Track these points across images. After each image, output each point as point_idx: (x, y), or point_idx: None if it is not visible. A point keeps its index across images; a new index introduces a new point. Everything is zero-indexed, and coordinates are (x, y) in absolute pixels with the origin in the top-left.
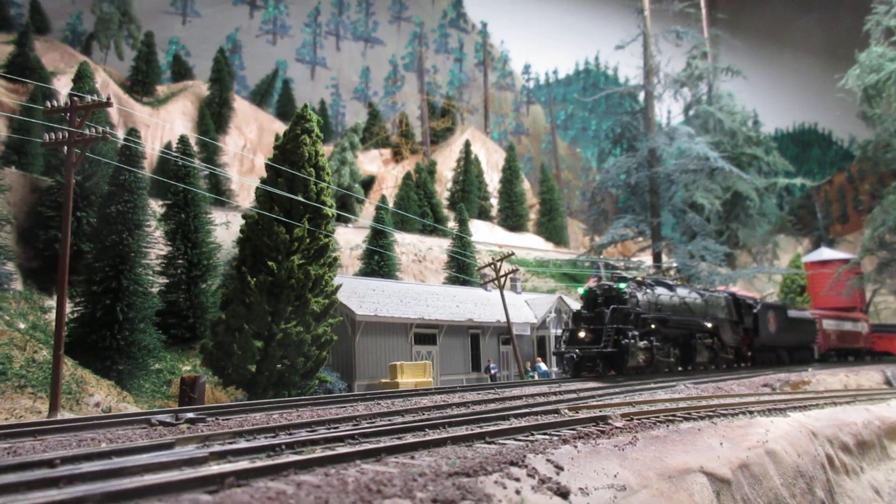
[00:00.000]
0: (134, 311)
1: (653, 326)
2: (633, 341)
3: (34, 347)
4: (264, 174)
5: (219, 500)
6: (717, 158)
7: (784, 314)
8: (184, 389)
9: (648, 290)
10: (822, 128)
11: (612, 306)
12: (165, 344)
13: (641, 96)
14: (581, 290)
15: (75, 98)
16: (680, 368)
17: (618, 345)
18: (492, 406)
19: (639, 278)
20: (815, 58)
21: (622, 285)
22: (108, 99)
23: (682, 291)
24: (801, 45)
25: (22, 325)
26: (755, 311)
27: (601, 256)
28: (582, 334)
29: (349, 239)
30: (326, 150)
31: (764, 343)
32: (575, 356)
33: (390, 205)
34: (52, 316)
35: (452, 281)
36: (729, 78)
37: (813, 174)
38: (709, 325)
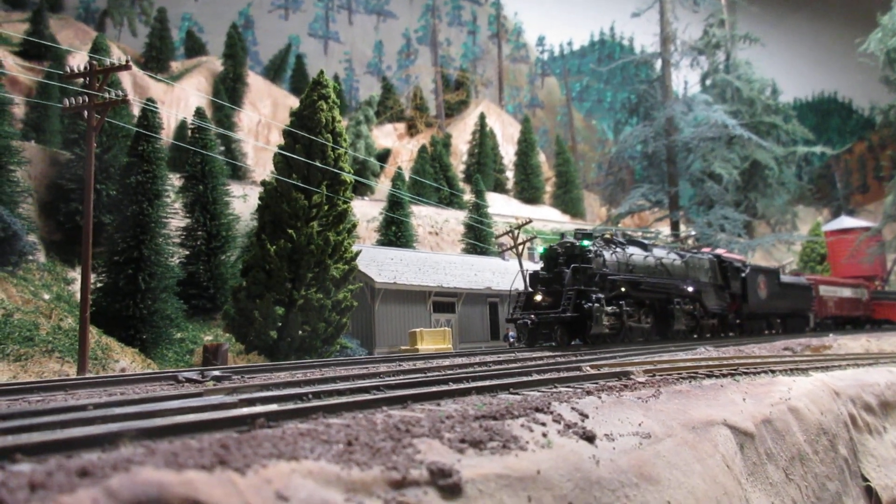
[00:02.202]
0: (156, 281)
1: (623, 289)
2: (597, 305)
3: (59, 315)
4: (278, 151)
5: (251, 436)
6: (736, 126)
7: (776, 279)
8: (206, 357)
9: (618, 249)
10: (843, 96)
11: (572, 266)
12: (187, 314)
13: (658, 66)
14: (541, 250)
15: (94, 62)
16: (657, 337)
17: (579, 309)
18: (513, 366)
19: (607, 235)
20: (834, 23)
21: (586, 242)
22: (128, 62)
23: (658, 252)
24: (821, 10)
25: (46, 296)
26: (743, 274)
27: (618, 227)
28: (539, 298)
29: (366, 211)
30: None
31: (753, 310)
32: (529, 322)
33: (406, 178)
34: (75, 287)
35: (469, 251)
36: (747, 46)
37: (833, 143)
38: (690, 289)
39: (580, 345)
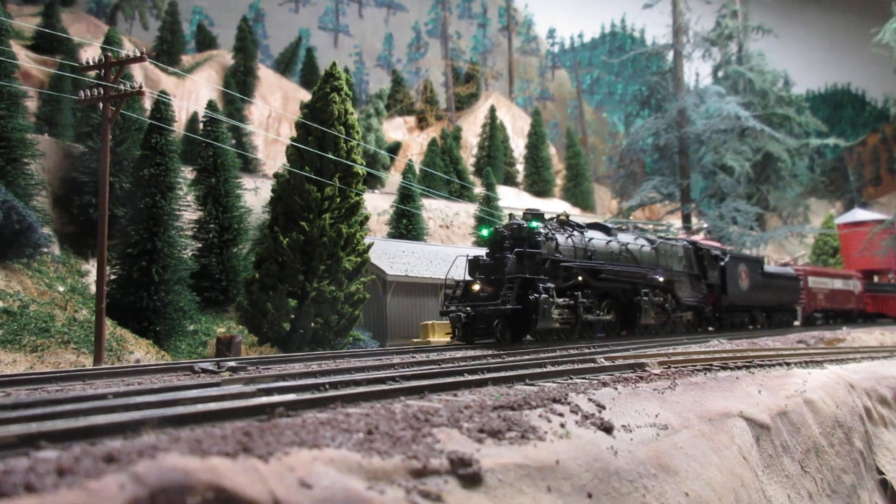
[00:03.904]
0: (169, 273)
1: (580, 279)
2: (545, 296)
3: (75, 307)
4: (290, 143)
5: (272, 425)
6: (749, 117)
7: (760, 268)
8: (220, 348)
9: (575, 233)
10: (856, 88)
11: (517, 250)
12: (199, 306)
13: (669, 57)
14: (484, 232)
15: (109, 53)
16: (624, 332)
17: (524, 300)
18: (527, 358)
19: (562, 217)
20: (848, 13)
21: (535, 224)
22: (142, 53)
23: (624, 237)
24: (835, 0)
25: (61, 288)
26: (722, 263)
27: (629, 219)
28: (477, 287)
29: (377, 204)
30: None
31: (734, 302)
32: (463, 316)
33: (416, 172)
34: (89, 279)
35: (481, 244)
36: (759, 37)
37: (845, 135)
38: (660, 278)
39: (531, 342)
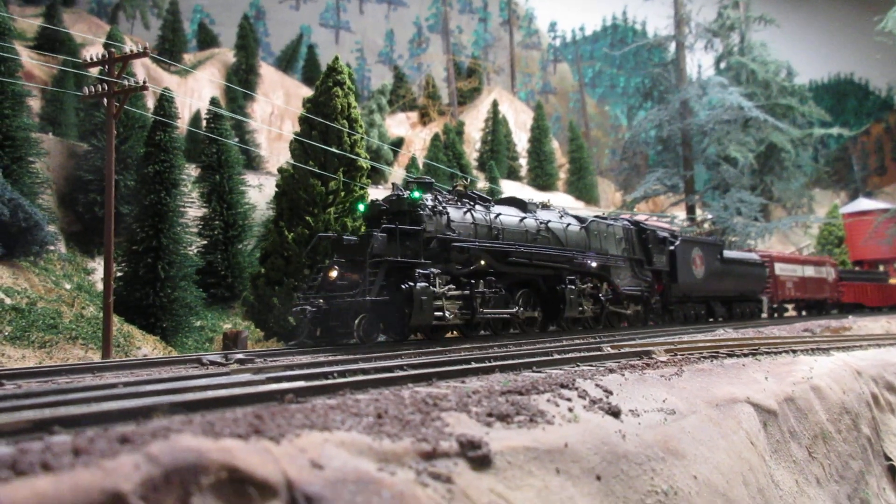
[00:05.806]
0: (175, 269)
1: (482, 263)
2: (423, 286)
3: (82, 304)
4: (294, 137)
5: (283, 409)
6: (752, 108)
7: (718, 253)
8: (226, 344)
9: (478, 207)
10: (859, 77)
11: (385, 226)
12: (205, 303)
13: (671, 49)
14: (361, 207)
15: (112, 49)
16: (554, 328)
17: (395, 290)
18: (533, 347)
19: (459, 187)
20: (851, 2)
21: (418, 194)
22: (146, 49)
23: (546, 214)
24: None
25: (68, 286)
26: (672, 247)
27: (633, 211)
28: (334, 274)
29: None
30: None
31: (685, 292)
32: (309, 311)
33: (420, 166)
34: (95, 277)
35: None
36: (762, 27)
37: (849, 125)
38: (592, 263)
39: (419, 342)
